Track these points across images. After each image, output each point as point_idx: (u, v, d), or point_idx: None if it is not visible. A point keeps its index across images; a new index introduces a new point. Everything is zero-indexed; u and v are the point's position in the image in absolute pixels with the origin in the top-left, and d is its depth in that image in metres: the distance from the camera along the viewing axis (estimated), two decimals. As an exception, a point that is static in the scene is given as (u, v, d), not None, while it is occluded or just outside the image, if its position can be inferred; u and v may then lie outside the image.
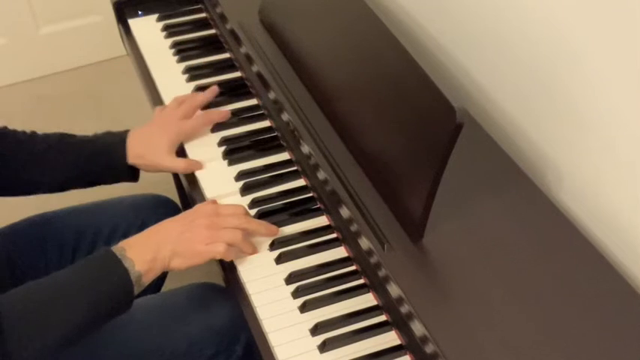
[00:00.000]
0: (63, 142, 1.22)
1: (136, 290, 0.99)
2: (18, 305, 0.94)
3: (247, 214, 1.08)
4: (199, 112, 1.27)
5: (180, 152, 1.23)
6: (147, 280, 1.00)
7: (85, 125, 2.38)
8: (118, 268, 0.97)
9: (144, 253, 1.00)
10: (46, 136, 1.22)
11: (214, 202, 1.10)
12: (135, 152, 1.21)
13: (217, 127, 1.25)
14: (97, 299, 0.96)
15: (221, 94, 1.31)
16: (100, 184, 1.26)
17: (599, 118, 0.99)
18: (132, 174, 1.25)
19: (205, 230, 1.02)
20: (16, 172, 1.20)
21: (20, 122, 2.08)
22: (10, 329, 0.91)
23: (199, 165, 1.20)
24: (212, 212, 1.05)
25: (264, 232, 1.07)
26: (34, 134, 1.23)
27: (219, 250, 1.02)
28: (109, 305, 0.98)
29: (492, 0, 1.13)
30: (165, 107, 1.27)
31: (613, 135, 0.97)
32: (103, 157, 1.21)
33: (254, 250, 1.06)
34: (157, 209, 1.39)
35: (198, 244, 1.02)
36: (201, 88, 1.32)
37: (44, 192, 1.25)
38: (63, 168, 1.21)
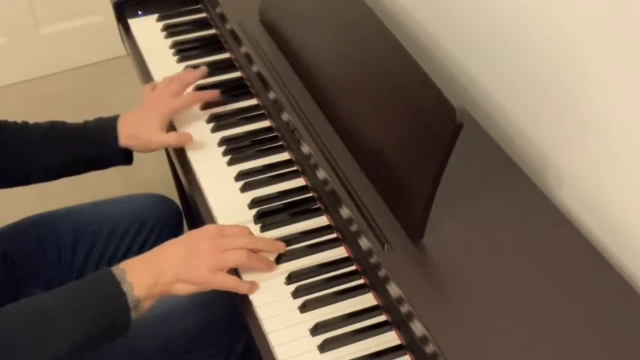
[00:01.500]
0: (54, 129, 1.22)
1: (134, 315, 0.95)
2: (8, 325, 0.92)
3: (252, 234, 1.05)
4: (189, 90, 1.29)
5: (183, 154, 1.23)
6: (146, 305, 0.96)
7: (85, 125, 2.39)
8: (115, 292, 0.94)
9: (144, 277, 0.96)
10: (37, 125, 1.23)
11: (220, 226, 1.07)
12: (127, 133, 1.21)
13: (217, 127, 1.25)
14: (92, 322, 0.93)
15: (221, 94, 1.31)
16: (94, 169, 1.26)
17: (599, 118, 0.99)
18: (125, 157, 1.25)
19: (210, 255, 0.99)
20: (10, 161, 1.20)
21: (20, 122, 2.06)
22: (1, 349, 0.89)
23: (189, 137, 1.22)
24: (216, 234, 1.01)
25: (271, 250, 1.04)
26: (25, 123, 1.23)
27: (222, 280, 0.99)
28: (103, 329, 0.94)
29: (492, 0, 1.13)
30: (155, 86, 1.29)
31: (613, 135, 0.97)
32: (94, 141, 1.22)
33: (269, 265, 1.02)
34: (157, 209, 1.39)
35: (203, 272, 0.98)
36: (201, 88, 1.32)
37: (39, 180, 1.25)
38: (55, 154, 1.21)
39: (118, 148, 1.22)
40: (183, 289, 0.98)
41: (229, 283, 0.99)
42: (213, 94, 1.29)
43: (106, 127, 1.22)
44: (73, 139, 1.22)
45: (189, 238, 1.02)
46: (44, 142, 1.21)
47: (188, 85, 1.28)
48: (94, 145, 1.22)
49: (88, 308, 0.93)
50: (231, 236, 1.02)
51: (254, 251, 1.02)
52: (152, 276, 0.96)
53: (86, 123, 1.24)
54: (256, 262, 1.01)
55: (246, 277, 1.02)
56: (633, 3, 0.87)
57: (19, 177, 1.24)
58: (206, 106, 1.29)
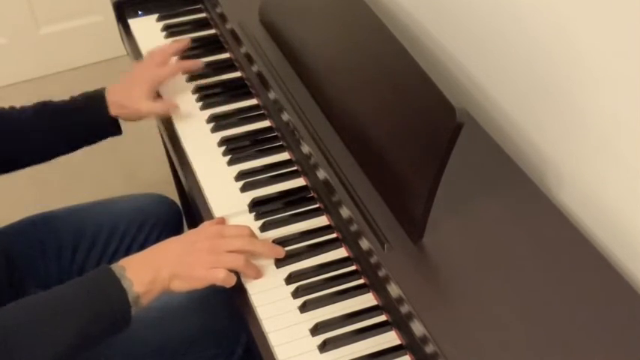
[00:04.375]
0: (43, 108, 1.24)
1: (134, 311, 0.96)
2: (9, 321, 0.92)
3: (252, 235, 1.05)
4: (174, 60, 1.33)
5: (183, 154, 1.23)
6: (145, 301, 0.97)
7: (85, 125, 2.39)
8: (115, 288, 0.95)
9: (144, 273, 0.97)
10: (25, 107, 1.25)
11: (222, 220, 1.07)
12: (117, 103, 1.24)
13: (218, 127, 1.25)
14: (92, 318, 0.94)
15: (221, 93, 1.31)
16: (87, 143, 1.28)
17: (599, 117, 0.99)
18: (116, 127, 1.28)
19: (206, 254, 0.99)
20: (2, 145, 1.21)
21: (20, 122, 2.06)
22: (1, 345, 0.90)
23: (175, 105, 1.27)
24: (215, 234, 1.02)
25: (269, 254, 1.04)
26: (13, 107, 1.25)
27: (218, 277, 0.99)
28: (104, 325, 0.95)
29: (493, 0, 1.13)
30: (142, 60, 1.33)
31: (613, 135, 0.97)
32: (84, 113, 1.24)
33: (258, 274, 1.02)
34: (157, 209, 1.39)
35: (198, 269, 0.99)
36: (201, 88, 1.33)
37: (33, 162, 1.26)
38: (47, 132, 1.23)
39: (109, 117, 1.25)
40: (180, 285, 0.99)
41: (225, 279, 1.00)
42: (197, 64, 1.33)
43: (95, 98, 1.25)
44: (62, 114, 1.24)
45: (189, 236, 1.03)
46: (35, 122, 1.23)
47: (172, 55, 1.32)
48: (85, 116, 1.24)
49: (88, 305, 0.94)
50: (231, 237, 1.02)
51: (252, 253, 1.02)
52: (151, 272, 0.97)
53: (74, 98, 1.27)
54: (250, 270, 1.01)
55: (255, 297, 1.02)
56: (634, 3, 0.87)
57: (12, 160, 1.24)
58: (192, 78, 1.34)
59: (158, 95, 1.29)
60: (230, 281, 1.00)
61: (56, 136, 1.24)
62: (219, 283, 1.00)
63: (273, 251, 1.04)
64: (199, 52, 1.41)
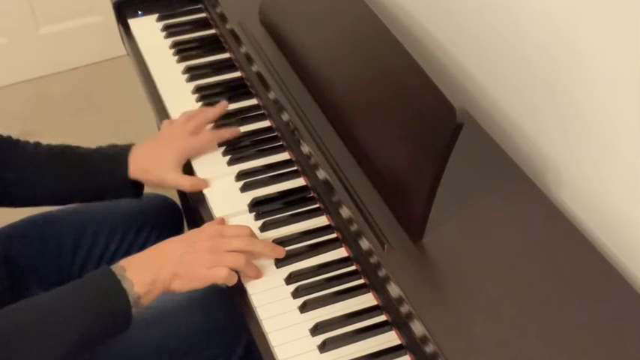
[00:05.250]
0: (65, 153, 1.19)
1: (134, 312, 0.95)
2: (10, 323, 0.92)
3: (253, 234, 1.05)
4: (208, 128, 1.23)
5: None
6: (146, 301, 0.97)
7: (85, 125, 2.40)
8: (116, 289, 0.95)
9: (144, 274, 0.97)
10: (50, 148, 1.20)
11: (222, 220, 1.07)
12: (140, 167, 1.17)
13: (217, 127, 1.25)
14: (93, 319, 0.94)
15: (221, 94, 1.31)
16: (101, 198, 1.21)
17: (599, 117, 0.99)
18: (134, 189, 1.21)
19: (207, 254, 0.99)
20: (19, 184, 1.17)
21: (20, 122, 2.08)
22: (2, 346, 0.90)
23: (204, 183, 1.16)
24: (216, 234, 1.01)
25: (270, 254, 1.03)
26: (38, 145, 1.20)
27: (220, 276, 0.99)
28: (105, 325, 0.95)
29: (493, 0, 1.13)
30: (174, 121, 1.23)
31: (613, 135, 0.97)
32: (103, 169, 1.17)
33: (258, 274, 1.02)
34: (157, 209, 1.39)
35: (199, 268, 0.99)
36: (201, 88, 1.32)
37: (45, 203, 1.22)
38: (62, 178, 1.18)
39: (128, 181, 1.17)
40: (181, 285, 0.99)
41: (227, 277, 0.99)
42: (234, 132, 1.22)
43: (118, 157, 1.17)
44: (81, 164, 1.18)
45: (190, 235, 1.03)
46: (54, 167, 1.18)
47: (208, 123, 1.23)
48: (103, 173, 1.17)
49: (89, 306, 0.94)
50: (231, 237, 1.02)
51: (252, 253, 1.02)
52: (151, 272, 0.97)
53: (98, 149, 1.20)
54: (250, 270, 1.01)
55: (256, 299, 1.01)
56: (634, 3, 0.87)
57: (26, 198, 1.20)
58: (192, 78, 1.26)
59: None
60: (231, 280, 1.00)
61: (71, 184, 1.18)
62: (220, 282, 1.00)
63: (274, 251, 1.04)
64: (199, 52, 1.42)
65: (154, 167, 1.17)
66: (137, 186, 1.20)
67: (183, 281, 0.99)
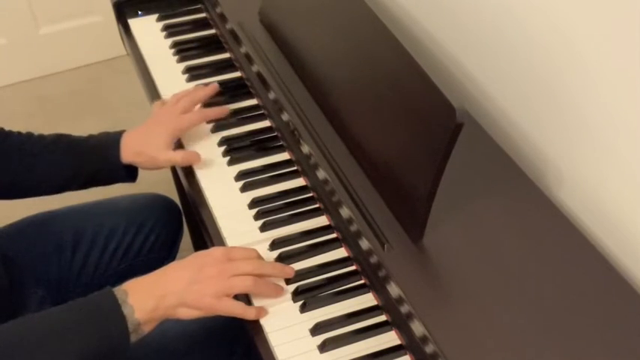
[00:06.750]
0: (58, 141, 1.21)
1: (133, 338, 0.93)
2: (8, 341, 0.90)
3: (259, 257, 1.03)
4: (198, 107, 1.26)
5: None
6: (147, 329, 0.95)
7: (85, 125, 2.40)
8: (115, 314, 0.92)
9: (146, 301, 0.94)
10: (42, 136, 1.21)
11: (227, 249, 1.04)
12: (132, 150, 1.19)
13: (217, 127, 1.25)
14: (91, 342, 0.91)
15: (221, 94, 1.31)
16: (97, 184, 1.23)
17: (599, 117, 0.99)
18: (128, 174, 1.23)
19: (215, 280, 0.96)
20: (14, 174, 1.19)
21: (20, 122, 2.08)
22: None
23: (196, 156, 1.18)
24: (222, 258, 0.99)
25: (279, 275, 1.02)
26: (30, 135, 1.22)
27: (227, 307, 0.97)
28: (102, 349, 0.92)
29: (493, 0, 1.13)
30: (165, 103, 1.26)
31: (613, 135, 0.97)
32: (96, 155, 1.20)
33: (277, 291, 1.00)
34: (157, 209, 1.39)
35: (207, 297, 0.96)
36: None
37: (40, 193, 1.23)
38: (57, 167, 1.20)
39: (121, 164, 1.20)
40: (186, 313, 0.97)
41: (235, 310, 0.97)
42: (222, 111, 1.25)
43: (110, 142, 1.20)
44: (75, 152, 1.20)
45: (195, 261, 0.99)
46: (47, 154, 1.19)
47: (198, 103, 1.25)
48: (96, 159, 1.19)
49: (87, 329, 0.92)
50: (238, 260, 0.99)
51: (261, 276, 1.00)
52: (154, 299, 0.94)
53: (90, 137, 1.22)
54: (263, 287, 0.99)
55: (257, 300, 1.00)
56: (634, 3, 0.87)
57: (21, 189, 1.22)
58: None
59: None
60: (237, 308, 0.97)
61: (66, 172, 1.20)
62: (228, 313, 0.97)
63: (283, 272, 1.02)
64: (199, 52, 1.42)
65: (145, 148, 1.19)
66: (131, 170, 1.23)
67: (189, 310, 0.96)
